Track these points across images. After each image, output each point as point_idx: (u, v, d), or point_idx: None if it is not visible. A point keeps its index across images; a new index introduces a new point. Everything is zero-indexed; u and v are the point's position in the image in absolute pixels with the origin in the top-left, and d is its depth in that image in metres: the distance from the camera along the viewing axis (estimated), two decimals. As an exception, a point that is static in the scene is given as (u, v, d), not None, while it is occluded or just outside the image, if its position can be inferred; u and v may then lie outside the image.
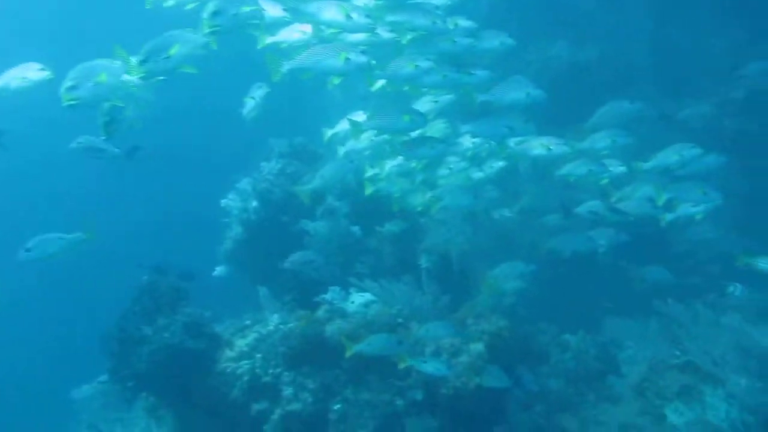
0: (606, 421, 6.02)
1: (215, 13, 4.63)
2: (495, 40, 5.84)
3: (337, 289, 6.38)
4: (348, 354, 5.43)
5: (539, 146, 6.03)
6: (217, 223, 8.91)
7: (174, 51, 4.60)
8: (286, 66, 5.07)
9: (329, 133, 6.81)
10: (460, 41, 5.66)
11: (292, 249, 7.24)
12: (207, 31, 4.66)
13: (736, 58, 9.09)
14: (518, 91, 5.70)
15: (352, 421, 5.87)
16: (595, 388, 6.56)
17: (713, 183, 5.98)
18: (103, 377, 6.77)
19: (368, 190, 6.23)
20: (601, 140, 6.12)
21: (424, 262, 6.55)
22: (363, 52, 5.02)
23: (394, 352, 5.42)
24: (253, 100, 6.43)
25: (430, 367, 5.43)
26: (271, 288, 6.84)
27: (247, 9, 4.81)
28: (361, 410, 5.91)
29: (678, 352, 5.74)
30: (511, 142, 6.11)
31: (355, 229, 6.86)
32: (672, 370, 5.74)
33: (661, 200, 5.77)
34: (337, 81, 5.23)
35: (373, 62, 5.32)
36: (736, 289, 6.41)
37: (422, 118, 5.65)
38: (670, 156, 6.13)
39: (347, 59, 4.97)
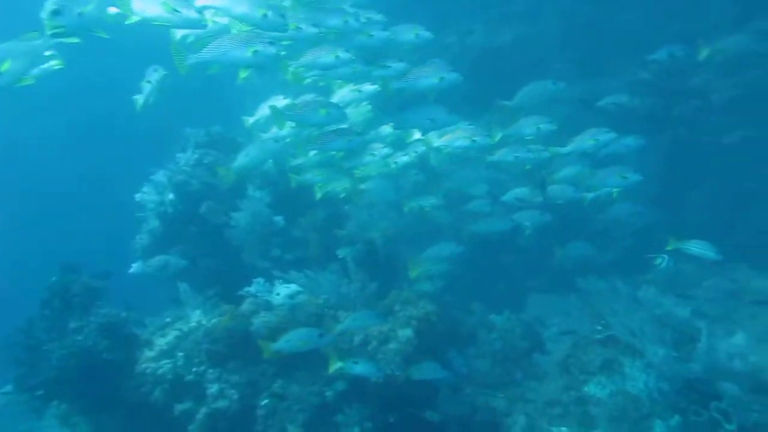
0: (533, 398, 6.12)
1: (55, 12, 4.33)
2: (410, 33, 5.85)
3: (262, 281, 6.20)
4: (266, 355, 5.27)
5: (462, 137, 6.07)
6: (133, 218, 8.53)
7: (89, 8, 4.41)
8: (192, 59, 4.94)
9: (250, 120, 6.64)
10: (378, 35, 5.73)
11: (212, 242, 7.03)
12: (50, 32, 4.38)
13: (649, 36, 9.39)
14: (431, 77, 5.75)
15: (281, 415, 5.75)
16: (522, 366, 6.67)
17: (632, 165, 6.21)
18: (8, 387, 6.34)
19: (293, 182, 6.11)
20: (526, 127, 6.26)
21: (349, 249, 6.45)
22: (271, 44, 4.94)
23: (316, 346, 5.28)
24: (149, 84, 6.05)
25: (361, 369, 5.37)
26: (192, 283, 6.60)
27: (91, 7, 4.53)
28: (290, 404, 5.79)
29: (600, 327, 5.88)
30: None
31: (278, 219, 6.69)
32: (594, 345, 5.88)
33: (585, 185, 5.92)
34: (244, 74, 5.16)
35: (283, 53, 5.26)
36: (663, 261, 6.64)
37: (340, 113, 5.63)
38: (586, 140, 6.38)
39: (256, 51, 4.89)
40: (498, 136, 6.25)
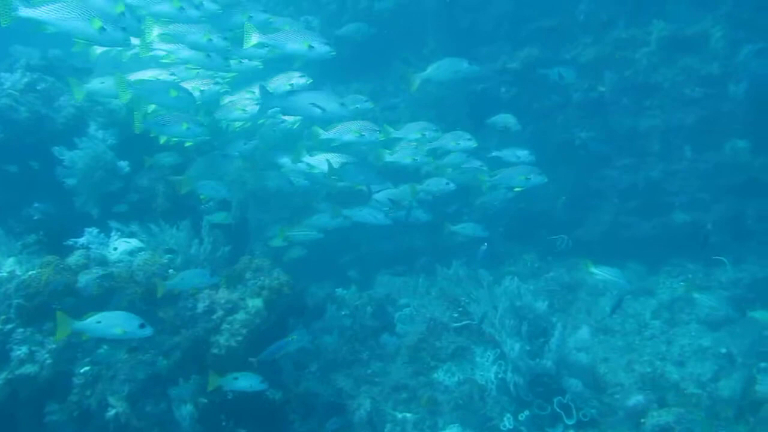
0: (380, 381, 5.95)
1: None
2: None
3: (95, 231, 5.44)
4: (160, 294, 4.91)
5: (352, 132, 5.88)
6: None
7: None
8: (23, 12, 4.48)
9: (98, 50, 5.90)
10: (257, 16, 5.91)
11: (40, 181, 6.09)
12: None
13: (520, 27, 9.50)
14: (299, 43, 5.57)
15: (103, 385, 5.05)
16: (370, 347, 6.47)
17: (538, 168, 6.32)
18: None
19: (138, 127, 5.42)
20: (412, 132, 6.36)
21: (203, 206, 5.86)
22: (123, 29, 4.74)
23: (135, 337, 4.66)
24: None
25: (243, 383, 4.93)
26: (8, 227, 5.66)
27: None
28: (115, 372, 5.12)
29: (456, 314, 5.80)
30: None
31: (123, 164, 5.89)
32: (449, 332, 5.80)
33: (486, 186, 6.16)
34: (79, 48, 4.98)
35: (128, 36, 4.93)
36: (563, 241, 6.75)
37: (189, 97, 5.48)
38: (449, 142, 6.53)
39: (102, 28, 4.59)
40: (390, 134, 6.26)
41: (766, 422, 5.04)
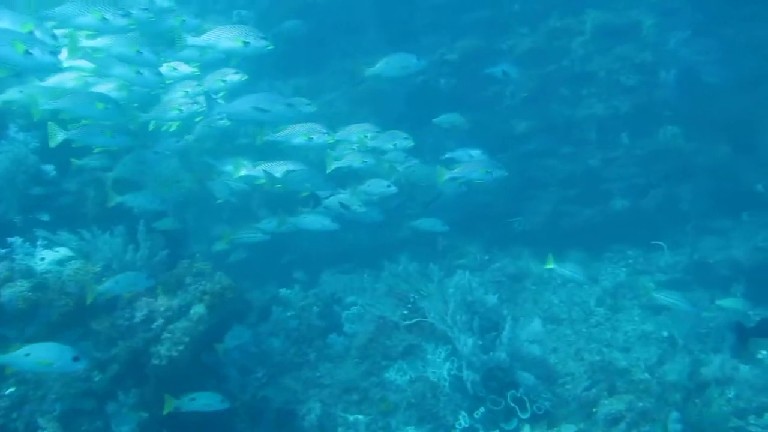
0: (330, 383, 5.79)
1: None
2: None
3: (20, 241, 5.07)
4: (89, 300, 4.63)
5: (301, 136, 5.83)
6: None
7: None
8: None
9: None
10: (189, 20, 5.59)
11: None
12: None
13: (457, 18, 9.44)
14: (233, 40, 5.41)
15: (31, 406, 4.69)
16: (317, 348, 6.29)
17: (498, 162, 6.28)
18: None
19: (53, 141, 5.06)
20: (353, 134, 6.25)
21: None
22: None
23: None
24: None
25: (201, 403, 4.69)
26: None
27: None
28: (45, 392, 4.77)
29: (406, 311, 5.69)
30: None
31: (49, 168, 5.50)
32: (400, 329, 5.68)
33: (443, 178, 5.98)
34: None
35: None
36: (520, 223, 6.68)
37: (117, 109, 5.11)
38: (387, 142, 6.42)
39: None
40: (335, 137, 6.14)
41: (712, 403, 5.13)
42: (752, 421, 5.13)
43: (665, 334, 6.64)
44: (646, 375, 5.48)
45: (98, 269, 5.00)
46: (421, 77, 9.07)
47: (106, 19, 4.93)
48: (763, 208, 8.26)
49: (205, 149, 7.46)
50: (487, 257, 8.18)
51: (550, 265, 5.98)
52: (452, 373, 5.22)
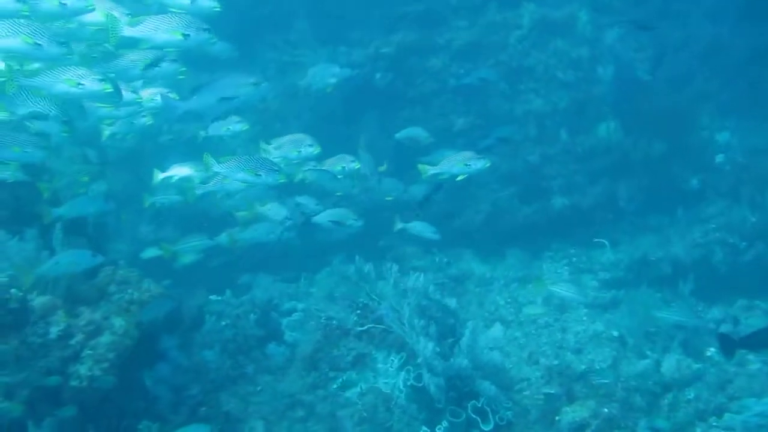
0: (272, 399, 5.30)
1: None
2: None
3: None
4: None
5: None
6: None
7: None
8: None
9: None
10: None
11: None
12: None
13: (392, 11, 9.10)
14: (171, 32, 4.87)
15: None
16: (255, 359, 5.79)
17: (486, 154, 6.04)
18: None
19: None
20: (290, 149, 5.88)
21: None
22: None
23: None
24: None
25: None
26: None
27: None
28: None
29: (355, 317, 5.26)
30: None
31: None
32: (348, 337, 5.25)
33: (426, 174, 5.80)
34: None
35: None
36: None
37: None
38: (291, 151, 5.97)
39: None
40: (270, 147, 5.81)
41: (678, 407, 4.98)
42: (714, 423, 5.00)
43: (615, 333, 6.49)
44: (606, 378, 5.25)
45: (5, 279, 4.31)
46: (355, 71, 8.65)
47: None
48: (696, 204, 8.31)
49: (126, 148, 6.89)
50: (446, 260, 7.84)
51: (542, 287, 5.80)
52: (408, 383, 4.82)
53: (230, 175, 5.20)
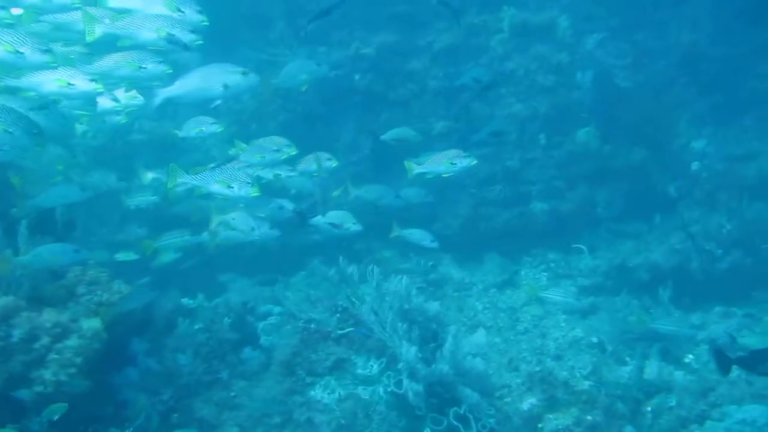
0: (246, 404, 5.12)
1: None
2: None
3: None
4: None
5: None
6: None
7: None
8: None
9: None
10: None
11: None
12: None
13: (373, 11, 8.99)
14: (155, 31, 4.79)
15: None
16: (230, 364, 5.60)
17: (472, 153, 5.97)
18: None
19: None
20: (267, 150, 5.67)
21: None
22: None
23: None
24: None
25: None
26: None
27: None
28: None
29: (334, 321, 5.10)
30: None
31: None
32: (327, 341, 5.09)
33: (412, 173, 5.83)
34: None
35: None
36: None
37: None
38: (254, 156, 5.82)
39: None
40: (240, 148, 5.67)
41: (662, 414, 4.92)
42: (695, 431, 4.95)
43: (595, 339, 6.44)
44: (587, 385, 5.17)
45: (-36, 280, 4.10)
46: (335, 72, 8.53)
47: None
48: (674, 211, 8.32)
49: (95, 146, 6.70)
50: (431, 263, 7.73)
51: (535, 294, 5.95)
52: (389, 389, 4.69)
53: (203, 185, 5.06)
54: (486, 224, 8.42)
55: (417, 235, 6.69)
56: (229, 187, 5.04)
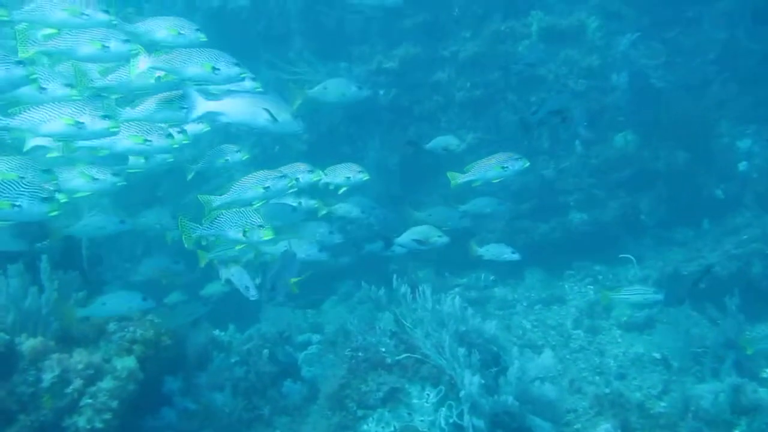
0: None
1: None
2: None
3: None
4: None
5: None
6: None
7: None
8: None
9: None
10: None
11: None
12: None
13: (393, 24, 8.71)
14: (201, 66, 4.52)
15: None
16: (271, 399, 5.21)
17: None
18: None
19: None
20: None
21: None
22: None
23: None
24: None
25: None
26: None
27: None
28: None
29: (383, 349, 4.69)
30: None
31: None
32: (378, 369, 4.67)
33: (456, 182, 5.51)
34: None
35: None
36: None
37: None
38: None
39: None
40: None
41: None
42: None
43: (657, 355, 5.99)
44: (664, 407, 4.73)
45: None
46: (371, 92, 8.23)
47: None
48: (723, 215, 7.90)
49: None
50: (492, 277, 7.33)
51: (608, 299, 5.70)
52: (451, 420, 4.27)
53: (221, 234, 4.62)
54: (523, 238, 7.99)
55: (495, 250, 6.25)
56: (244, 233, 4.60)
